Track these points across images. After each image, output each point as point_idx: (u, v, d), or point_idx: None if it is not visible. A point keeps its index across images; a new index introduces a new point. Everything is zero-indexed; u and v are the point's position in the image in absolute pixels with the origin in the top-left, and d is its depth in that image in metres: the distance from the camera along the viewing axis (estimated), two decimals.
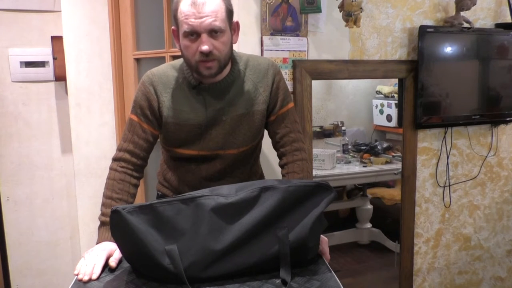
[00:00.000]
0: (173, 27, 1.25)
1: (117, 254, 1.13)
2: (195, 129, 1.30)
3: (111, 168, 1.30)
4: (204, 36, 1.16)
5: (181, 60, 1.33)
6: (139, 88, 1.32)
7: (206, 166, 1.36)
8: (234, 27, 1.26)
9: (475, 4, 2.07)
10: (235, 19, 1.26)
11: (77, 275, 1.06)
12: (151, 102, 1.29)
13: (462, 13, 2.08)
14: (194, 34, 1.16)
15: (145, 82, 1.31)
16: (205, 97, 1.29)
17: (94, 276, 1.06)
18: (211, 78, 1.24)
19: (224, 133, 1.31)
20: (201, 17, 1.14)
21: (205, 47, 1.16)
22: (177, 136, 1.32)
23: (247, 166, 1.42)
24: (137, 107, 1.31)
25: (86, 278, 1.05)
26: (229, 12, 1.21)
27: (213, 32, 1.16)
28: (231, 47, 1.25)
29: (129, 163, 1.30)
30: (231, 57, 1.28)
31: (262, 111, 1.33)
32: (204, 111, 1.29)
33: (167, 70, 1.32)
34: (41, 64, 2.32)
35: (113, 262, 1.11)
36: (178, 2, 1.18)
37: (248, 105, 1.31)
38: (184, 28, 1.16)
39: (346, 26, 1.80)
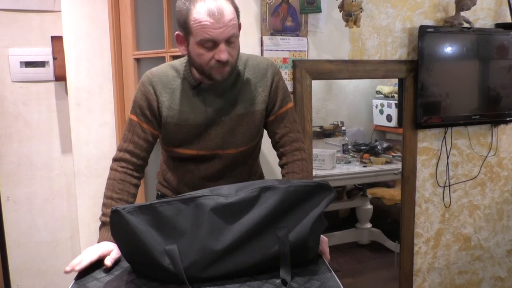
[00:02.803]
0: (178, 33, 1.23)
1: (114, 254, 1.13)
2: (194, 129, 1.30)
3: (111, 168, 1.30)
4: (222, 46, 1.16)
5: (180, 60, 1.33)
6: (138, 88, 1.32)
7: (205, 166, 1.36)
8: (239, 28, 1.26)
9: (475, 4, 2.07)
10: None
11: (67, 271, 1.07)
12: (150, 102, 1.29)
13: (462, 13, 2.08)
14: (211, 42, 1.16)
15: (145, 82, 1.31)
16: (205, 97, 1.29)
17: (78, 267, 1.07)
18: (223, 81, 1.24)
19: (223, 133, 1.31)
20: (220, 27, 1.13)
21: (224, 57, 1.16)
22: (177, 136, 1.32)
23: (246, 166, 1.42)
24: (137, 107, 1.31)
25: (68, 268, 1.07)
26: (238, 15, 1.21)
27: (229, 40, 1.17)
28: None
29: (129, 163, 1.30)
30: None
31: (261, 111, 1.33)
32: (203, 111, 1.29)
33: (167, 70, 1.32)
34: (41, 64, 2.32)
35: (108, 261, 1.10)
36: (189, 9, 1.15)
37: (247, 105, 1.31)
38: (201, 37, 1.15)
39: (346, 26, 1.80)
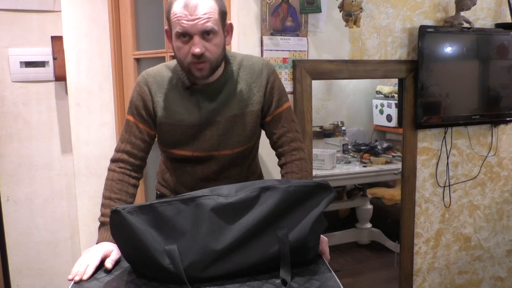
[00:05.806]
0: (166, 28, 1.25)
1: (114, 255, 1.13)
2: (189, 130, 1.30)
3: (109, 169, 1.31)
4: (196, 38, 1.16)
5: (176, 61, 1.33)
6: (134, 89, 1.33)
7: (201, 167, 1.35)
8: (227, 29, 1.25)
9: (475, 4, 2.07)
10: (233, 19, 1.26)
11: (72, 279, 1.06)
12: (146, 102, 1.30)
13: (462, 13, 2.08)
14: (186, 35, 1.16)
15: (140, 82, 1.31)
16: (199, 98, 1.29)
17: (85, 277, 1.06)
18: (203, 79, 1.24)
19: (218, 134, 1.31)
20: (194, 19, 1.14)
21: (197, 50, 1.15)
22: (172, 136, 1.32)
23: (244, 166, 1.41)
24: (133, 107, 1.31)
25: (77, 278, 1.05)
26: (222, 14, 1.20)
27: (205, 34, 1.16)
28: (224, 48, 1.25)
29: (127, 164, 1.30)
30: (225, 58, 1.28)
31: (256, 111, 1.33)
32: (197, 112, 1.29)
33: (162, 70, 1.33)
34: (41, 64, 2.32)
35: (109, 263, 1.10)
36: (171, 3, 1.17)
37: (242, 106, 1.31)
38: (177, 29, 1.16)
39: (346, 26, 1.80)
